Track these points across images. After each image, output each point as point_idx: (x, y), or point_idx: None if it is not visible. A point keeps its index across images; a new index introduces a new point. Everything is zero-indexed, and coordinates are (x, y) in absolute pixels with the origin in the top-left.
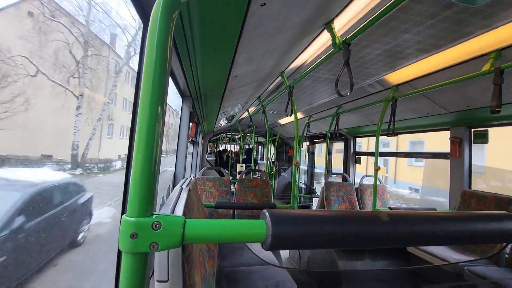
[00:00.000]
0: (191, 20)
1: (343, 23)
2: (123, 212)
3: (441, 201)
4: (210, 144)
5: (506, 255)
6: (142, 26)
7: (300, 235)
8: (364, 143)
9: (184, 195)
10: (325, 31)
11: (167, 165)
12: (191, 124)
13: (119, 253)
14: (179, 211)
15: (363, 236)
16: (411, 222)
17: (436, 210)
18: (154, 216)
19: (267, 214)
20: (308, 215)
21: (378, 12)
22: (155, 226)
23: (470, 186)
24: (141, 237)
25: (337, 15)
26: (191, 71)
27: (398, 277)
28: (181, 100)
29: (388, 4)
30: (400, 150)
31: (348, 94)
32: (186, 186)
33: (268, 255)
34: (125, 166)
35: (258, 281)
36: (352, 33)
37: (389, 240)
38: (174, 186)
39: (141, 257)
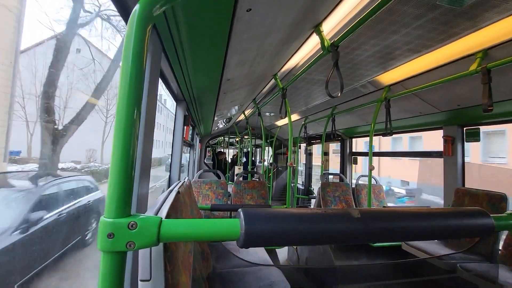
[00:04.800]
0: (178, 25)
1: (331, 26)
2: None
3: None
4: (209, 148)
5: (499, 251)
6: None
7: (273, 232)
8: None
9: (171, 197)
10: (314, 34)
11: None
12: (185, 127)
13: None
14: (163, 212)
15: (335, 233)
16: (382, 219)
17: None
18: (130, 217)
19: (241, 212)
20: (282, 213)
21: (364, 15)
22: (131, 226)
23: (463, 184)
24: (117, 236)
25: (324, 18)
26: (182, 75)
27: (393, 274)
28: (175, 103)
29: (373, 7)
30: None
31: (339, 95)
32: (177, 189)
33: (264, 256)
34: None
35: (252, 282)
36: (340, 36)
37: (360, 236)
38: (168, 188)
39: (118, 256)
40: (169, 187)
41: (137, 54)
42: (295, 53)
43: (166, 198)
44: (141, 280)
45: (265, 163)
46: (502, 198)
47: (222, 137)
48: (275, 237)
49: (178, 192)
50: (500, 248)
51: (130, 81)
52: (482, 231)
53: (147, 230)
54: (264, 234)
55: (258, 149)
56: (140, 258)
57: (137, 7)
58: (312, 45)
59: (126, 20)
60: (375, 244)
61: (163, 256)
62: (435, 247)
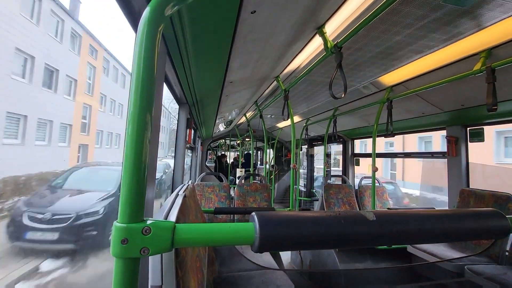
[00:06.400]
0: (183, 28)
1: (334, 27)
2: None
3: None
4: (210, 151)
5: (506, 253)
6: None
7: (288, 236)
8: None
9: (179, 201)
10: (317, 35)
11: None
12: (188, 130)
13: None
14: (173, 216)
15: (350, 235)
16: (397, 221)
17: (434, 209)
18: (144, 222)
19: (255, 216)
20: (295, 217)
21: (367, 16)
22: (145, 231)
23: (468, 185)
24: (131, 242)
25: (327, 20)
26: (186, 78)
27: (399, 277)
28: (178, 107)
29: (377, 8)
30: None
31: (343, 96)
32: (183, 192)
33: (268, 259)
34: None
35: (258, 286)
36: (343, 37)
37: (376, 239)
38: (172, 192)
39: (132, 262)
40: (173, 191)
41: (148, 57)
42: (297, 54)
43: (174, 202)
44: (153, 286)
45: (267, 165)
46: (509, 198)
47: (223, 140)
48: (290, 241)
49: (184, 196)
50: (507, 249)
51: (142, 85)
52: (498, 232)
53: (161, 235)
54: (279, 238)
55: (259, 152)
56: (151, 263)
57: (147, 9)
58: (314, 46)
59: (132, 23)
60: (381, 247)
61: (174, 262)
62: (440, 249)
